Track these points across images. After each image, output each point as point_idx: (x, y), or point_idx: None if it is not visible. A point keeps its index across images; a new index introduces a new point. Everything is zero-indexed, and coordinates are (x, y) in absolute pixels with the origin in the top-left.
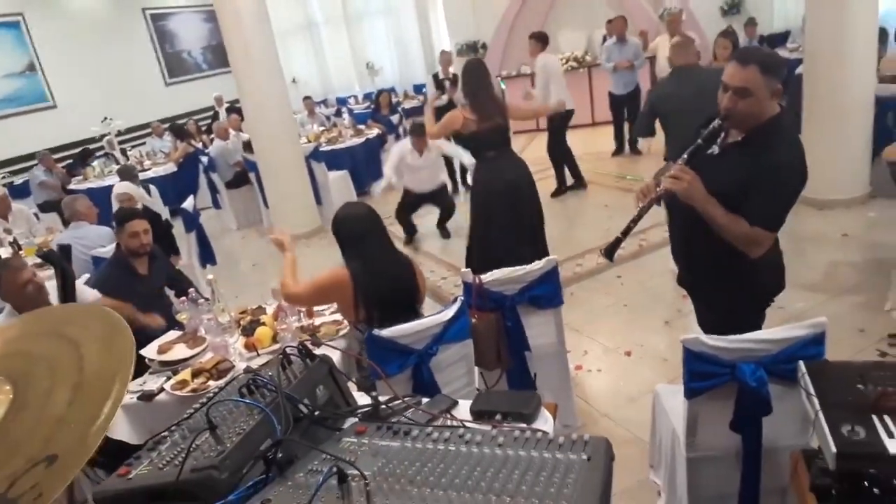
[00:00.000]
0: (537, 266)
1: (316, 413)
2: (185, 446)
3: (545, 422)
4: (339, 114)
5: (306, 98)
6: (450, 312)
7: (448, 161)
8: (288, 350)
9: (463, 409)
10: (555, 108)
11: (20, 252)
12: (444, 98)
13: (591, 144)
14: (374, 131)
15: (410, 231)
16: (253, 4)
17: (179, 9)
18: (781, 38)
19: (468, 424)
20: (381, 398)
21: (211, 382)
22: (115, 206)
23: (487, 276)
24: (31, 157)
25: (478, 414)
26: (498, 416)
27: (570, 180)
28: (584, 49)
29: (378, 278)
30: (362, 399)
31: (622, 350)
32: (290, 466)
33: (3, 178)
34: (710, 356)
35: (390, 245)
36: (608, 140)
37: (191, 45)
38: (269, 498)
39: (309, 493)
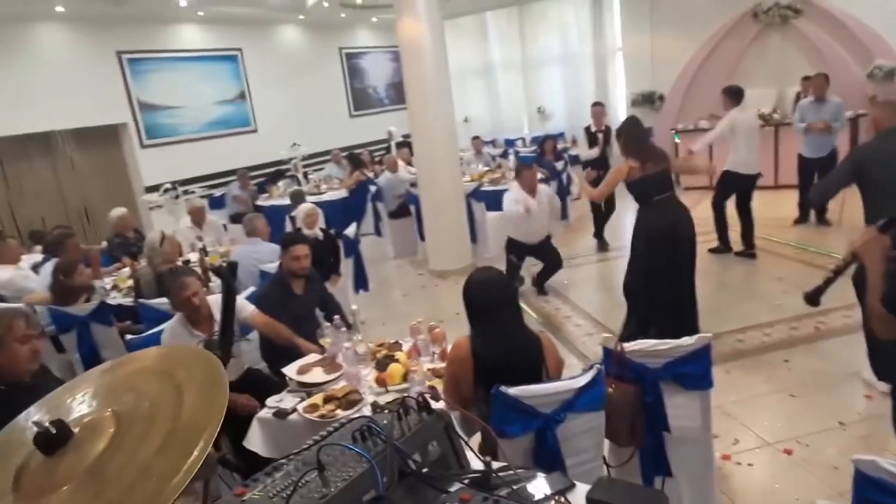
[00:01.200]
0: (688, 342)
1: (424, 470)
2: (294, 481)
3: None
4: (505, 155)
5: (475, 137)
6: (585, 379)
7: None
8: (407, 399)
9: (580, 494)
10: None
11: (206, 258)
12: (596, 151)
13: (771, 209)
14: (539, 176)
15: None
16: (432, 46)
17: (370, 48)
18: None
19: None
20: (495, 466)
21: (339, 411)
22: (299, 223)
23: (631, 346)
24: (231, 173)
25: (594, 503)
26: None
27: (738, 246)
28: (773, 106)
29: (502, 360)
30: (477, 465)
31: (782, 446)
32: None
33: (205, 190)
34: (889, 486)
35: (520, 319)
36: (791, 206)
37: (376, 81)
38: None
39: None
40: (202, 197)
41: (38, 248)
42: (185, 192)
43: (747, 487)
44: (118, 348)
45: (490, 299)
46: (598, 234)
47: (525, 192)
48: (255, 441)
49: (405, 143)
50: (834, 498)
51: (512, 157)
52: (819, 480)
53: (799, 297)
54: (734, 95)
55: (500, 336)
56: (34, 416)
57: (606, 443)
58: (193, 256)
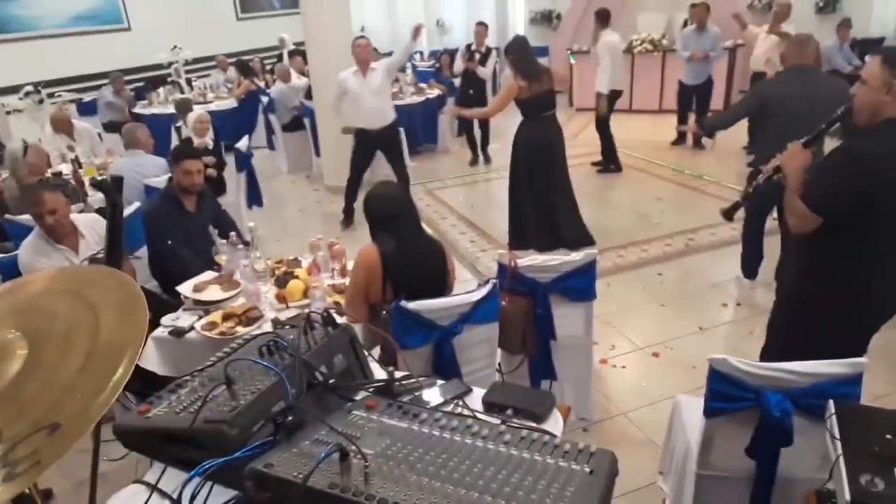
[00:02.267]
0: (575, 258)
1: (330, 381)
2: (202, 396)
3: (555, 423)
4: (403, 70)
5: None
6: (481, 293)
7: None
8: (312, 315)
9: (476, 398)
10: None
11: (80, 170)
12: (461, 66)
13: (652, 132)
14: (436, 92)
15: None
16: None
17: None
18: (875, 45)
19: (478, 415)
20: (398, 374)
21: (239, 328)
22: (188, 132)
23: (523, 261)
24: (102, 76)
25: (489, 405)
26: (509, 411)
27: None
28: (663, 32)
29: (408, 260)
30: (381, 375)
31: (651, 350)
32: (298, 433)
33: (73, 94)
34: (736, 379)
35: (421, 228)
36: (670, 129)
37: None
38: (272, 462)
39: (311, 463)
40: (69, 102)
41: None
42: (51, 96)
43: (620, 386)
44: None
45: (391, 210)
46: (481, 153)
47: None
48: (150, 360)
49: (298, 52)
50: (691, 393)
51: (410, 72)
52: (679, 378)
53: (674, 214)
54: (601, 17)
55: (405, 242)
56: None
57: (499, 351)
58: (65, 168)
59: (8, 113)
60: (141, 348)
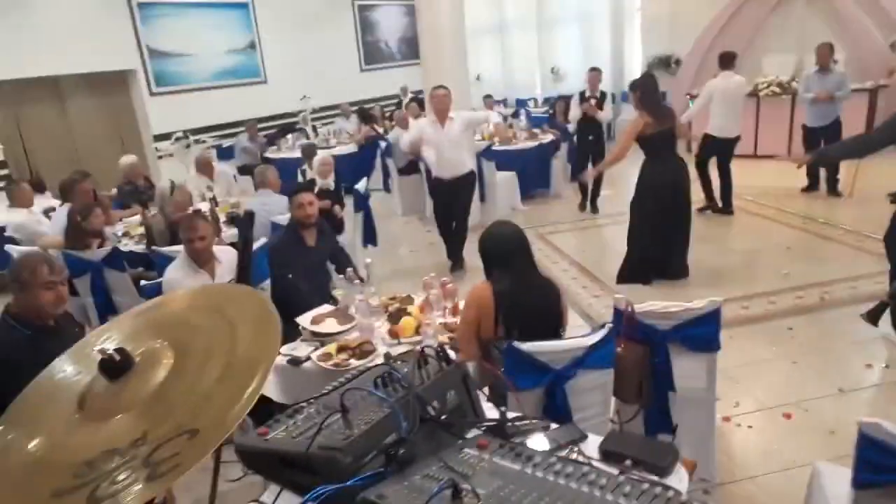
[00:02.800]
0: (697, 305)
1: (443, 417)
2: (318, 422)
3: (680, 480)
4: (516, 115)
5: (487, 96)
6: (595, 337)
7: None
8: (426, 349)
9: (592, 445)
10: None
11: (216, 207)
12: (578, 112)
13: (780, 178)
14: (549, 137)
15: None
16: (449, 2)
17: (384, 2)
18: None
19: (595, 463)
20: (510, 415)
21: (352, 360)
22: (312, 173)
23: (641, 307)
24: (239, 124)
25: (607, 454)
26: (628, 462)
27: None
28: (792, 74)
29: (522, 299)
30: (492, 414)
31: (781, 410)
32: (409, 466)
33: (215, 140)
34: (891, 448)
35: (536, 268)
36: (801, 175)
37: (388, 35)
38: (384, 493)
39: (422, 497)
40: (211, 147)
41: (45, 194)
42: (196, 142)
43: (746, 448)
44: (131, 294)
45: (506, 249)
46: (589, 204)
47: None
48: (268, 386)
49: (416, 100)
50: (831, 460)
51: (523, 118)
52: (816, 444)
53: (805, 265)
54: (725, 61)
55: (519, 281)
56: (97, 347)
57: (613, 400)
58: (204, 206)
59: (160, 157)
60: (273, 362)
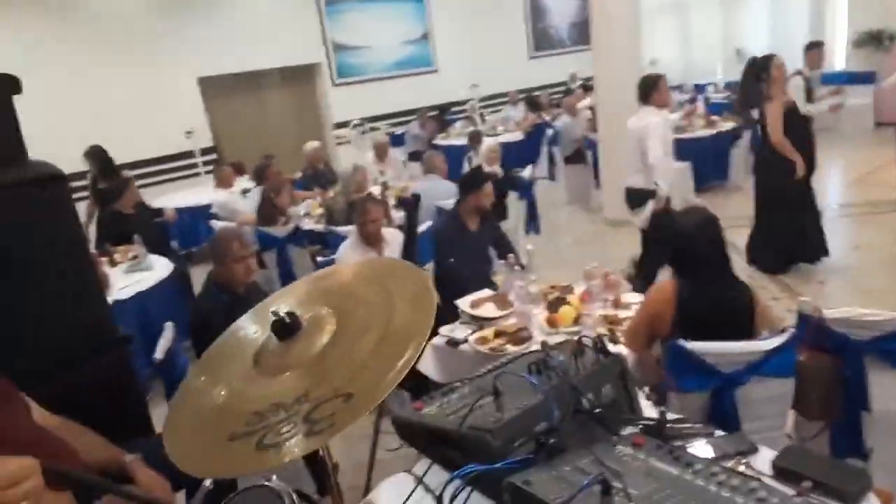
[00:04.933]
0: None
1: (597, 410)
2: (470, 403)
3: None
4: (693, 101)
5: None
6: (774, 342)
7: None
8: (584, 339)
9: (763, 459)
10: None
11: (387, 191)
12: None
13: None
14: (729, 124)
15: None
16: None
17: None
18: None
19: (766, 480)
20: (670, 416)
21: (508, 346)
22: (479, 160)
23: (833, 313)
24: (411, 112)
25: (782, 472)
26: (806, 483)
27: None
28: None
29: (706, 301)
30: (650, 413)
31: None
32: (559, 456)
33: (388, 127)
34: None
35: (729, 267)
36: None
37: (559, 20)
38: (531, 480)
39: (570, 490)
40: (386, 134)
41: (243, 176)
42: (371, 129)
43: None
44: (308, 268)
45: (705, 247)
46: None
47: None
48: (427, 365)
49: (586, 87)
50: None
51: (701, 104)
52: None
53: None
54: None
55: (709, 290)
56: (272, 309)
57: (791, 413)
58: (375, 189)
59: (339, 143)
60: (426, 338)
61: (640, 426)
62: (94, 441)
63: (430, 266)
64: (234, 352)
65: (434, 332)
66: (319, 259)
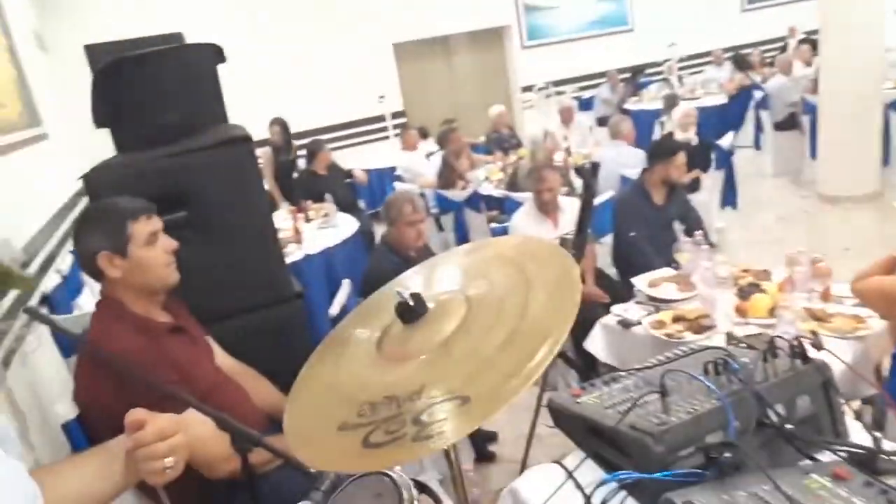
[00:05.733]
0: None
1: (787, 427)
2: (633, 398)
3: None
4: None
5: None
6: None
7: None
8: (779, 337)
9: None
10: None
11: (570, 157)
12: None
13: None
14: None
15: None
16: None
17: None
18: None
19: None
20: (887, 446)
21: (687, 333)
22: (671, 127)
23: None
24: (601, 75)
25: None
26: None
27: None
28: None
29: None
30: (859, 437)
31: None
32: (733, 476)
33: (576, 91)
34: None
35: None
36: None
37: None
38: (693, 502)
39: None
40: (573, 98)
41: (428, 140)
42: (557, 93)
43: None
44: (483, 233)
45: None
46: None
47: None
48: (595, 344)
49: (808, 41)
50: None
51: None
52: None
53: None
54: None
55: None
56: (408, 282)
57: None
58: (558, 156)
59: (524, 108)
60: (564, 337)
61: (846, 454)
62: (264, 387)
63: (606, 239)
64: (366, 325)
65: (606, 310)
66: (494, 225)
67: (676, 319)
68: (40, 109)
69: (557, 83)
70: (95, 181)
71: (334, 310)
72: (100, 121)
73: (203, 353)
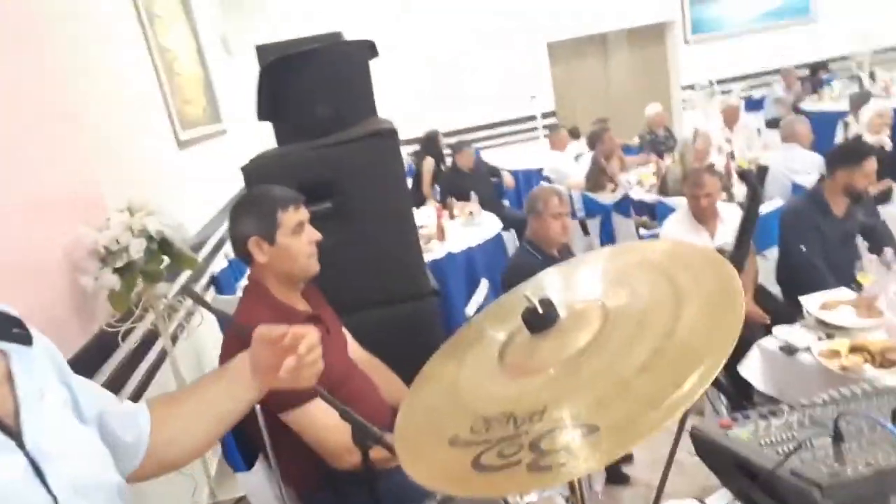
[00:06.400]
0: None
1: None
2: (798, 438)
3: None
4: None
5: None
6: None
7: None
8: None
9: None
10: None
11: (733, 161)
12: None
13: None
14: None
15: None
16: None
17: None
18: None
19: None
20: None
21: (868, 368)
22: (858, 128)
23: None
24: (774, 73)
25: None
26: None
27: None
28: None
29: None
30: None
31: None
32: None
33: (744, 90)
34: None
35: None
36: None
37: None
38: None
39: None
40: (740, 98)
41: (578, 141)
42: (722, 92)
43: None
44: (633, 239)
45: None
46: None
47: None
48: (751, 369)
49: None
50: None
51: None
52: None
53: None
54: None
55: None
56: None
57: None
58: (719, 160)
59: (684, 108)
60: (722, 363)
61: None
62: (393, 382)
63: (771, 252)
64: (497, 326)
65: (767, 332)
66: (644, 232)
67: (855, 350)
68: (221, 107)
69: (723, 81)
70: (252, 171)
71: (470, 310)
72: (263, 115)
73: (337, 344)
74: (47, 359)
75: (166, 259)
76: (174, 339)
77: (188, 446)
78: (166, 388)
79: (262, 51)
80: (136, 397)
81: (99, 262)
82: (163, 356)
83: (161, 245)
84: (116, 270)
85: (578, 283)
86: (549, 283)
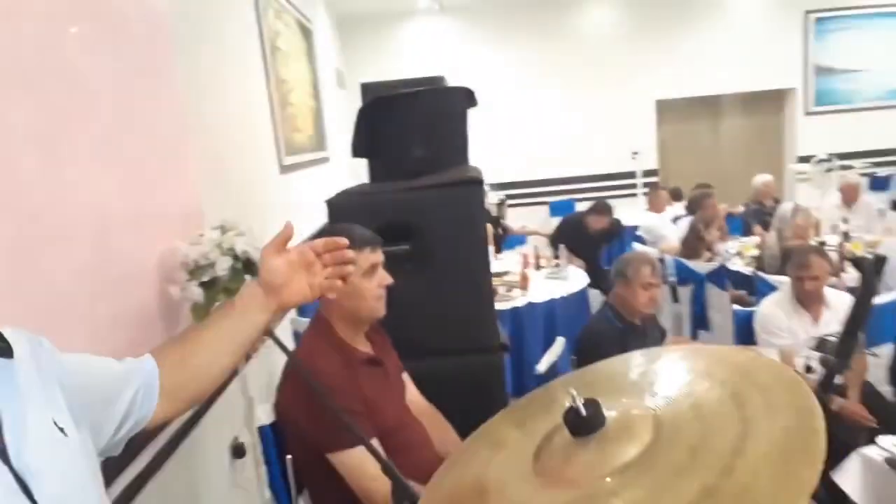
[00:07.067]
0: None
1: None
2: None
3: None
4: None
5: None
6: None
7: None
8: None
9: None
10: None
11: (847, 243)
12: None
13: None
14: None
15: None
16: None
17: None
18: None
19: None
20: None
21: None
22: None
23: None
24: None
25: None
26: None
27: None
28: None
29: None
30: None
31: None
32: None
33: (868, 167)
34: None
35: None
36: None
37: None
38: None
39: None
40: (862, 175)
41: (678, 203)
42: (842, 168)
43: None
44: (726, 314)
45: None
46: None
47: None
48: (849, 479)
49: None
50: None
51: None
52: None
53: None
54: None
55: None
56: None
57: None
58: (832, 239)
59: (798, 180)
60: None
61: None
62: (448, 433)
63: (882, 350)
64: (536, 415)
65: (871, 437)
66: (738, 308)
67: None
68: (328, 136)
69: (844, 156)
70: (335, 205)
71: (542, 367)
72: (357, 152)
73: (395, 389)
74: (32, 366)
75: (248, 278)
76: (247, 357)
77: (205, 383)
78: (234, 404)
79: (366, 88)
80: (202, 412)
81: (187, 275)
82: (234, 373)
83: (245, 265)
84: (202, 284)
85: (661, 378)
86: (635, 365)
